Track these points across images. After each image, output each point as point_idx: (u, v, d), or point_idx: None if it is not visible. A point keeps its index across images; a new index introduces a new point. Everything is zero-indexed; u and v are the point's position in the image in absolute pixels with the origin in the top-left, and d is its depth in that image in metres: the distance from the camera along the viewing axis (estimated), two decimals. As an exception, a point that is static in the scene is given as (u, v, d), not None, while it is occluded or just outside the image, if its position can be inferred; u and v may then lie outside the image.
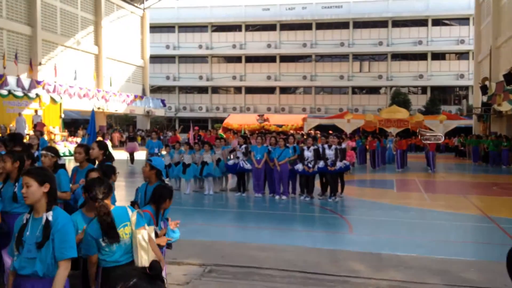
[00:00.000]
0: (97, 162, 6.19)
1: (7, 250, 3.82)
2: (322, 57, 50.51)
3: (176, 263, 6.31)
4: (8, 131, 18.76)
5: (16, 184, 4.95)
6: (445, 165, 24.81)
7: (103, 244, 3.58)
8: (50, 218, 3.15)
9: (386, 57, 49.13)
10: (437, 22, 47.61)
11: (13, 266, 3.19)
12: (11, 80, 22.55)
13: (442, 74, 47.49)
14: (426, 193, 14.43)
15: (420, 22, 47.94)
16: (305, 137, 17.97)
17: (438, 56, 48.13)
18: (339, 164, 11.99)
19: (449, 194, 14.29)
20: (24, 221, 3.22)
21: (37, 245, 3.09)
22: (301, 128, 34.02)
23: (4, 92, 21.65)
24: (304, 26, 49.93)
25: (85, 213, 4.09)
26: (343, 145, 13.57)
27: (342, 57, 50.02)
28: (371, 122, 30.67)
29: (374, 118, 31.09)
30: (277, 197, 12.34)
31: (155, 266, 1.46)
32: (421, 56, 48.32)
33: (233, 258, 6.72)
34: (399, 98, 42.68)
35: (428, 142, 20.47)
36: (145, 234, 3.85)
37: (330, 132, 18.71)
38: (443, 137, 23.03)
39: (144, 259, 3.73)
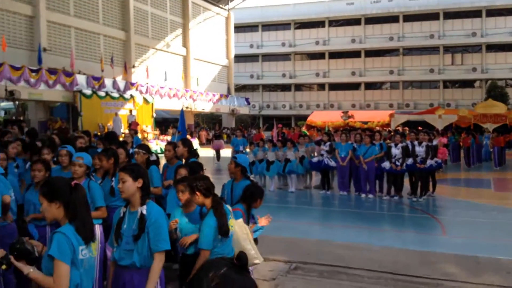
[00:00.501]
0: (183, 159, 6.41)
1: (108, 241, 4.05)
2: (410, 50, 48.45)
3: (263, 259, 6.36)
4: (105, 130, 20.11)
5: (113, 179, 5.27)
6: (550, 163, 22.70)
7: (219, 236, 3.73)
8: (144, 212, 3.28)
9: (480, 48, 46.01)
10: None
11: (113, 256, 3.37)
12: (108, 82, 24.15)
13: (545, 64, 43.57)
14: (528, 193, 13.31)
15: (518, 10, 44.33)
16: (392, 134, 17.35)
17: (539, 45, 44.22)
18: (429, 162, 11.40)
19: (555, 195, 13.06)
20: (121, 214, 3.38)
21: (133, 237, 3.24)
22: (388, 125, 32.85)
23: (102, 93, 23.25)
24: (391, 19, 48.20)
25: (183, 209, 4.24)
26: (434, 142, 12.91)
27: (432, 50, 47.62)
28: (465, 118, 28.84)
29: (468, 113, 29.22)
30: (363, 195, 12.02)
31: (242, 257, 1.46)
32: (520, 47, 44.69)
33: (319, 256, 6.64)
34: (496, 92, 39.80)
35: (530, 138, 18.84)
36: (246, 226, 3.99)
37: (420, 128, 17.86)
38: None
39: (247, 249, 3.85)
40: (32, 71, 19.78)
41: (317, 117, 39.58)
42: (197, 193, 3.84)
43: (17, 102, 21.34)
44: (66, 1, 24.80)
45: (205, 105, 33.75)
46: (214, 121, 47.06)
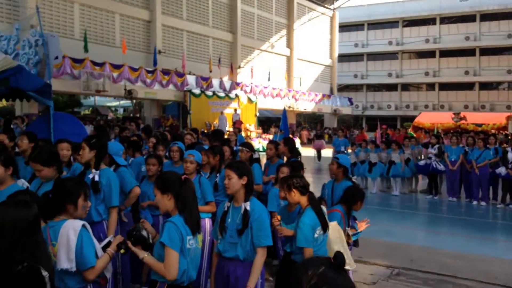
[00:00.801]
0: (285, 158, 6.51)
1: (211, 233, 4.26)
2: (532, 47, 44.23)
3: (363, 262, 6.27)
4: (212, 128, 21.04)
5: (218, 175, 5.53)
6: None
7: (316, 235, 3.76)
8: (248, 207, 3.41)
9: None
10: None
11: (217, 248, 3.53)
12: (215, 82, 25.25)
13: None
14: None
15: None
16: (509, 137, 16.00)
17: None
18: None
19: None
20: (226, 209, 3.53)
21: (238, 232, 3.38)
22: (505, 128, 30.29)
23: (209, 93, 24.37)
24: (509, 15, 44.31)
25: (287, 208, 4.34)
26: (560, 147, 11.70)
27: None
28: None
29: None
30: (474, 202, 11.26)
31: (339, 257, 1.47)
32: None
33: (423, 263, 6.38)
34: None
35: None
36: (340, 229, 3.99)
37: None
38: None
39: (344, 249, 3.87)
40: (148, 72, 21.32)
41: (425, 118, 37.54)
42: (294, 190, 3.88)
43: (134, 101, 23.11)
44: (179, 6, 26.34)
45: (307, 105, 33.80)
46: (315, 121, 46.92)
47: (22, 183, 3.89)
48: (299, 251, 3.80)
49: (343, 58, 48.25)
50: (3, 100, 12.74)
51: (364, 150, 13.52)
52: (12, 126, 11.50)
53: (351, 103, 40.98)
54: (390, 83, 50.85)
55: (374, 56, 51.58)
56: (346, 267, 3.78)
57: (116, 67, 19.66)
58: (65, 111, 20.38)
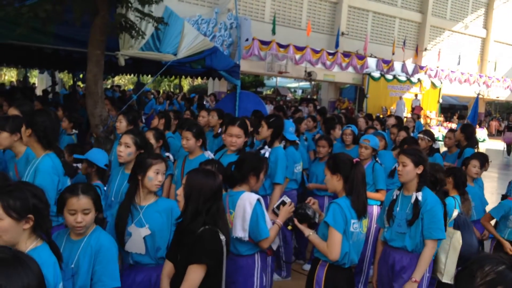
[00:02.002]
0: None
1: (376, 220, 4.28)
2: None
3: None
4: (388, 113, 20.48)
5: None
6: None
7: None
8: (419, 198, 3.32)
9: None
10: None
11: (383, 236, 3.53)
12: (397, 65, 24.27)
13: None
14: None
15: None
16: None
17: None
18: None
19: None
20: (394, 197, 3.49)
21: (407, 222, 3.33)
22: None
23: (390, 77, 23.58)
24: None
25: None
26: None
27: None
28: None
29: None
30: None
31: None
32: None
33: None
34: None
35: None
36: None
37: None
38: None
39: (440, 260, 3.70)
40: (329, 54, 21.59)
41: None
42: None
43: (312, 83, 23.68)
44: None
45: (500, 92, 30.33)
46: (508, 111, 41.79)
47: (208, 154, 4.26)
48: None
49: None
50: (199, 78, 14.34)
51: None
52: (204, 103, 12.95)
53: (561, 91, 35.32)
54: None
55: None
56: (438, 275, 3.53)
57: (299, 49, 20.34)
58: (249, 91, 21.92)
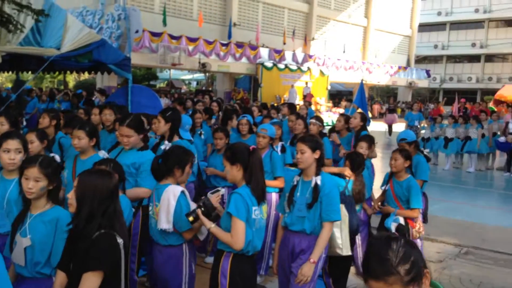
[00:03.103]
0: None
1: (276, 206, 4.39)
2: None
3: (430, 240, 6.21)
4: (282, 101, 21.13)
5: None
6: None
7: None
8: (318, 182, 3.43)
9: None
10: None
11: (284, 221, 3.59)
12: (288, 55, 25.12)
13: None
14: None
15: None
16: None
17: None
18: None
19: None
20: (295, 183, 3.57)
21: (307, 206, 3.42)
22: None
23: (282, 66, 24.32)
24: None
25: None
26: None
27: None
28: None
29: None
30: (558, 182, 10.60)
31: (402, 228, 1.49)
32: None
33: (495, 243, 6.22)
34: None
35: None
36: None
37: None
38: None
39: (335, 236, 3.91)
40: (222, 45, 21.69)
41: (509, 91, 35.16)
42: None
43: (207, 74, 23.64)
44: (256, -23, 26.23)
45: (381, 78, 32.76)
46: (388, 95, 45.40)
47: (103, 154, 4.07)
48: None
49: (423, 27, 45.83)
50: (86, 72, 13.58)
51: (439, 125, 13.05)
52: (93, 99, 12.29)
53: (428, 76, 39.07)
54: (472, 54, 47.80)
55: (458, 25, 48.55)
56: (337, 250, 3.78)
57: (192, 40, 20.17)
58: (141, 84, 21.33)
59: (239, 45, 22.64)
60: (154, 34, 18.58)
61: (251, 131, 5.77)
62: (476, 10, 46.82)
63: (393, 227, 4.38)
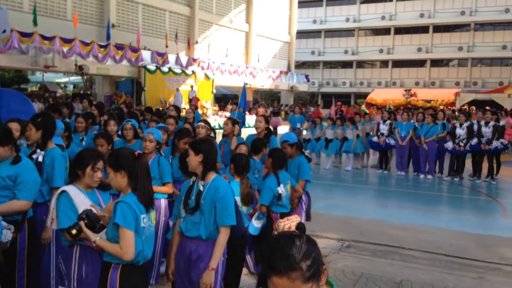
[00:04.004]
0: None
1: (172, 214, 4.19)
2: (482, 26, 45.69)
3: (315, 236, 6.42)
4: (167, 105, 20.75)
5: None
6: None
7: None
8: (201, 187, 3.37)
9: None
10: None
11: (180, 227, 3.47)
12: (171, 58, 24.77)
13: None
14: None
15: None
16: (456, 113, 16.69)
17: None
18: (495, 143, 10.93)
19: None
20: (191, 183, 3.48)
21: (191, 210, 3.34)
22: (453, 104, 31.58)
23: (165, 69, 23.91)
24: (462, -8, 45.58)
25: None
26: (502, 122, 12.34)
27: (507, 25, 44.63)
28: (538, 98, 27.17)
29: (542, 93, 27.48)
30: (421, 176, 11.76)
31: (302, 228, 1.50)
32: None
33: (372, 235, 6.65)
34: None
35: None
36: None
37: (487, 108, 17.04)
38: None
39: None
40: (101, 46, 20.66)
41: (378, 95, 38.66)
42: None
43: (85, 77, 22.37)
44: (133, -22, 25.48)
45: (264, 82, 33.83)
46: (272, 98, 47.10)
47: None
48: None
49: (301, 34, 48.33)
50: None
51: (319, 127, 13.77)
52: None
53: (308, 80, 41.29)
54: (345, 60, 51.56)
55: (332, 33, 52.01)
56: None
57: (67, 41, 18.94)
58: (11, 88, 19.51)
59: (119, 47, 21.78)
60: (23, 35, 17.13)
61: (136, 136, 5.53)
62: (347, 19, 50.55)
63: (255, 223, 4.58)
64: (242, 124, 10.37)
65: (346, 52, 51.02)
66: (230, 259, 3.80)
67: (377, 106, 22.86)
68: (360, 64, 51.59)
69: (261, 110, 34.03)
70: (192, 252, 3.39)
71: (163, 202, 4.79)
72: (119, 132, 5.91)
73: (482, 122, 11.20)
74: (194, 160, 3.37)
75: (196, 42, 29.33)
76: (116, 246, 2.87)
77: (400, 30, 48.77)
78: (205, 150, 3.40)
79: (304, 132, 14.31)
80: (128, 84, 25.21)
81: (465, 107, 26.75)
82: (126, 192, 2.99)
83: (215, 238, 3.36)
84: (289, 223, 4.46)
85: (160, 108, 15.49)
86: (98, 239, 2.93)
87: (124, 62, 21.89)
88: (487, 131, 11.03)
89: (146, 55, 23.03)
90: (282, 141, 5.33)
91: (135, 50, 22.43)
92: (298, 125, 14.67)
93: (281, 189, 4.66)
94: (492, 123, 11.12)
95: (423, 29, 47.69)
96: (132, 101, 22.69)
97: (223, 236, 3.36)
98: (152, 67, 22.98)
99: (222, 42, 31.43)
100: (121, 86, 25.85)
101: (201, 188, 3.36)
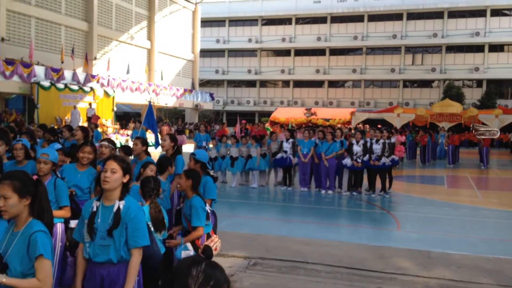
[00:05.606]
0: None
1: (73, 235, 3.88)
2: (373, 50, 49.39)
3: (221, 255, 6.35)
4: (63, 124, 19.61)
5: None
6: (499, 162, 23.76)
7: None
8: (121, 206, 3.20)
9: (440, 49, 47.36)
10: (497, 12, 45.37)
11: (87, 253, 3.25)
12: (68, 74, 23.45)
13: (500, 66, 45.25)
14: (478, 190, 13.89)
15: (478, 13, 45.78)
16: (352, 131, 17.71)
17: (496, 48, 45.85)
18: (383, 160, 11.73)
19: (502, 191, 13.69)
20: (94, 209, 3.26)
21: (107, 232, 3.15)
22: (349, 122, 33.57)
23: (61, 85, 22.54)
24: (356, 18, 48.97)
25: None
26: (392, 140, 13.27)
27: (394, 50, 48.68)
28: (422, 117, 29.85)
29: (425, 113, 30.24)
30: (323, 191, 12.24)
31: (208, 250, 1.47)
32: (478, 48, 46.16)
33: (278, 251, 6.74)
34: (452, 92, 41.01)
35: (483, 137, 19.65)
36: None
37: (379, 126, 18.33)
38: (499, 132, 22.09)
39: None
40: (-12, 61, 19.07)
41: (281, 114, 39.99)
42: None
43: (-30, 93, 20.52)
44: (26, -11, 23.98)
45: (168, 100, 33.37)
46: (176, 116, 46.61)
47: None
48: None
49: (205, 53, 48.68)
50: None
51: (224, 145, 13.82)
52: None
53: (212, 99, 41.53)
54: (249, 79, 52.74)
55: (235, 53, 52.97)
56: None
57: None
58: None
59: (10, 62, 20.24)
60: None
61: (28, 156, 5.12)
62: (249, 40, 51.90)
63: (184, 254, 4.38)
64: (157, 144, 10.09)
65: (249, 71, 52.21)
66: (145, 279, 3.64)
67: (280, 124, 23.57)
68: (263, 83, 53.05)
69: (165, 129, 33.58)
70: (105, 279, 3.19)
71: (59, 227, 4.50)
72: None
73: (374, 140, 11.99)
74: (120, 180, 3.22)
75: (95, 58, 28.22)
76: (32, 280, 2.58)
77: (300, 52, 51.07)
78: (131, 171, 3.34)
79: (210, 151, 14.27)
80: (19, 101, 23.51)
81: (360, 125, 28.54)
82: (26, 220, 2.68)
83: (126, 259, 3.19)
84: (214, 245, 4.40)
85: (55, 127, 14.57)
86: (4, 280, 2.55)
87: (15, 78, 20.35)
88: (377, 147, 11.81)
89: (39, 70, 21.61)
90: (191, 153, 5.31)
91: (27, 65, 20.97)
92: (204, 143, 14.62)
93: (208, 208, 4.60)
94: (381, 140, 11.94)
95: (320, 52, 50.37)
96: (23, 119, 21.13)
97: (136, 258, 3.21)
98: (46, 83, 21.58)
99: (123, 58, 30.56)
100: (12, 103, 24.01)
101: (121, 207, 3.19)
